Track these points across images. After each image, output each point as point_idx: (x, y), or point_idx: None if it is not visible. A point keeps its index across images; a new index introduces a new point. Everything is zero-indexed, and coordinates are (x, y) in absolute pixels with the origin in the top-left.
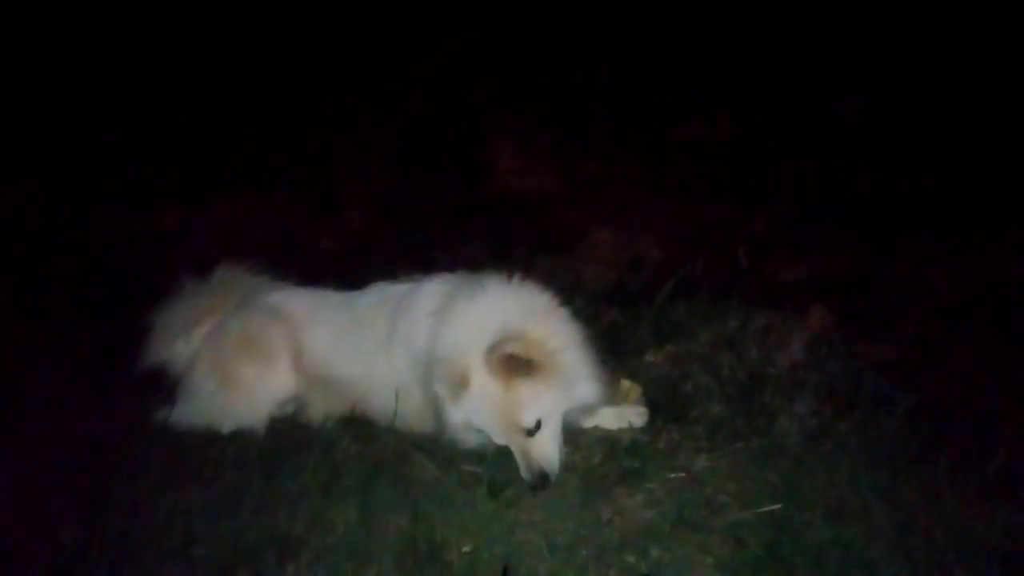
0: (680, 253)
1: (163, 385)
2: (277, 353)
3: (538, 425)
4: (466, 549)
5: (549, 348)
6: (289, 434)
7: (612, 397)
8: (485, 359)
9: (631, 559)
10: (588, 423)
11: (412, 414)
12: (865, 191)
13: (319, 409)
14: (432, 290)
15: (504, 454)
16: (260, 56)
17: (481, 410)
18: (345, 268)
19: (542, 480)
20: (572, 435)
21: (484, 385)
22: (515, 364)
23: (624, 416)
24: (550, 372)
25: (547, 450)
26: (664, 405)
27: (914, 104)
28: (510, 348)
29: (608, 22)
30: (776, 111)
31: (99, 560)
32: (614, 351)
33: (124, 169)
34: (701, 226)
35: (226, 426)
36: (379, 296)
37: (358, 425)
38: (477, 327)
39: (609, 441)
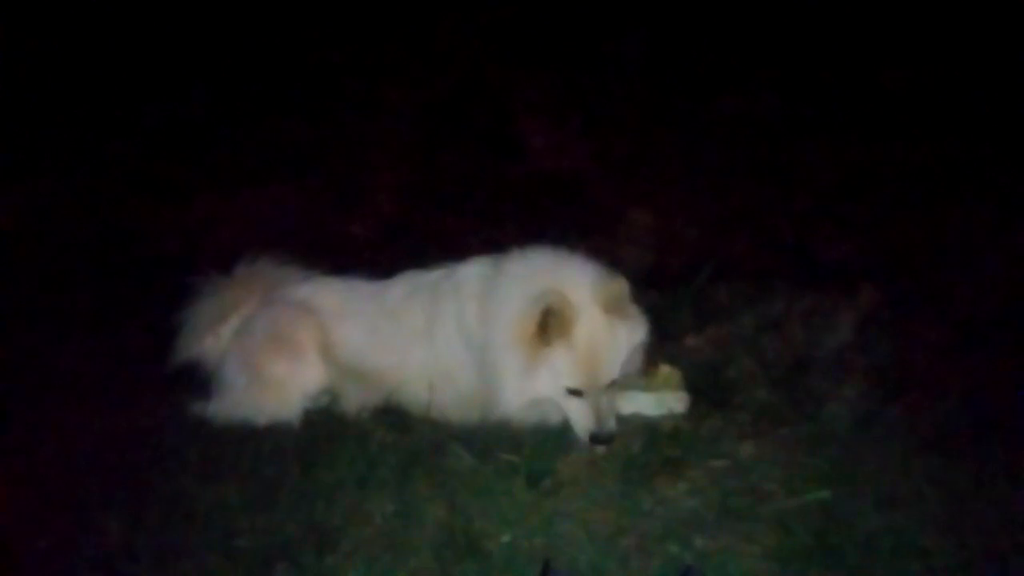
0: (720, 233)
1: (198, 380)
2: (306, 347)
3: (577, 392)
4: (505, 539)
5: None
6: (324, 426)
7: (650, 383)
8: (600, 294)
9: (674, 549)
10: (627, 410)
11: (452, 402)
12: (913, 164)
13: (353, 401)
14: (475, 272)
15: (543, 442)
16: (285, 41)
17: (581, 355)
18: (377, 255)
19: (608, 437)
20: None
21: (592, 326)
22: (619, 305)
23: (664, 402)
24: (632, 321)
25: (613, 404)
26: (706, 391)
27: (961, 75)
28: (620, 284)
29: None
30: (819, 82)
31: (143, 552)
32: (653, 335)
33: (152, 159)
34: (742, 204)
35: (260, 420)
36: (411, 285)
37: (393, 416)
38: (555, 279)
39: (649, 429)
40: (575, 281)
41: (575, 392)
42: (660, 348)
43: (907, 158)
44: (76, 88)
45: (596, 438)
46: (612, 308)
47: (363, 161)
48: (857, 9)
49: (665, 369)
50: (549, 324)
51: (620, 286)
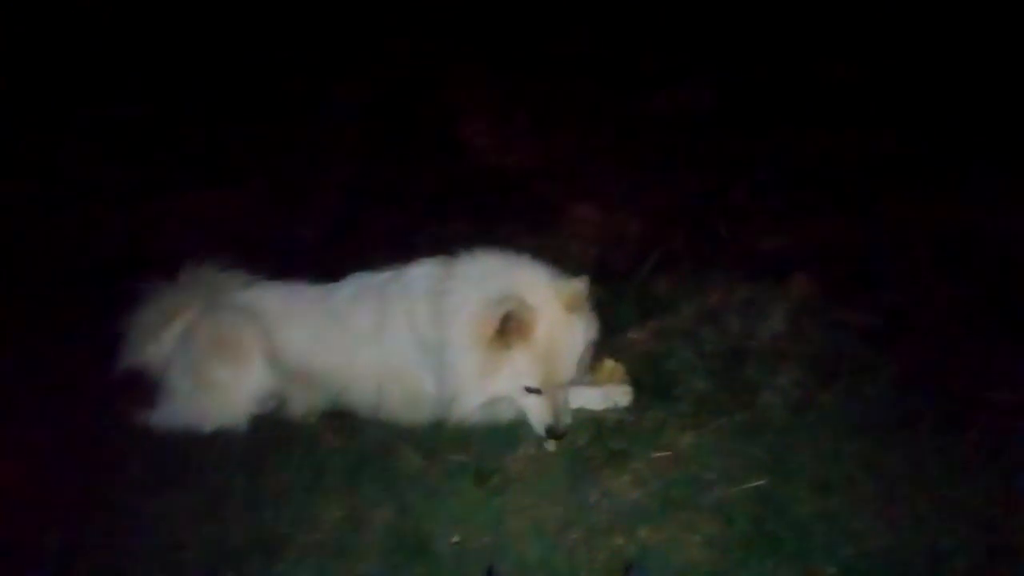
0: (662, 226)
1: (142, 387)
2: (250, 352)
3: (532, 391)
4: (455, 540)
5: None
6: (271, 431)
7: (596, 377)
8: (563, 295)
9: (620, 541)
10: (573, 404)
11: (401, 402)
12: (846, 157)
13: (300, 405)
14: (425, 272)
15: (491, 440)
16: (228, 41)
17: (542, 355)
18: (324, 255)
19: (565, 428)
20: None
21: (554, 327)
22: (579, 304)
23: (609, 396)
24: (591, 325)
25: (567, 399)
26: (648, 383)
27: (893, 68)
28: (581, 285)
29: None
30: (754, 78)
31: (84, 565)
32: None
33: (96, 162)
34: (681, 198)
35: (205, 427)
36: (358, 287)
37: (341, 418)
38: (507, 282)
39: (594, 423)
40: (533, 283)
41: (533, 391)
42: (605, 342)
43: (839, 151)
44: (20, 91)
45: (552, 432)
46: (573, 308)
47: (308, 161)
48: (791, 5)
49: (609, 363)
50: (509, 328)
51: (581, 286)
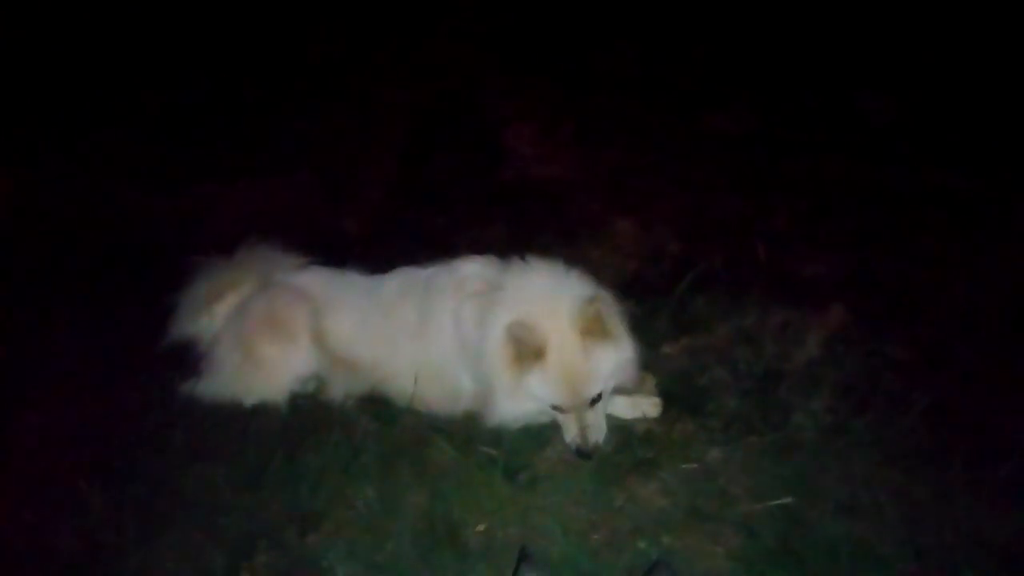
0: (700, 246)
1: (189, 360)
2: (299, 332)
3: (601, 394)
4: (480, 528)
5: (614, 316)
6: (310, 411)
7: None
8: (576, 318)
9: (642, 545)
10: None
11: (438, 398)
12: (887, 188)
13: (341, 389)
14: (472, 272)
15: (522, 437)
16: (286, 35)
17: (556, 378)
18: (367, 250)
19: (595, 448)
20: None
21: (565, 351)
22: (596, 327)
23: (639, 406)
24: (615, 340)
25: (600, 419)
26: (679, 397)
27: (939, 101)
28: (597, 308)
29: (633, 9)
30: (799, 105)
31: (127, 526)
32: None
33: (149, 147)
34: (722, 219)
35: (249, 401)
36: (405, 281)
37: (378, 406)
38: (541, 301)
39: (624, 431)
40: (552, 307)
41: (559, 408)
42: (637, 355)
43: (883, 181)
44: (75, 74)
45: (580, 452)
46: (589, 331)
47: (356, 157)
48: (841, 34)
49: (641, 374)
50: (521, 352)
51: (596, 309)
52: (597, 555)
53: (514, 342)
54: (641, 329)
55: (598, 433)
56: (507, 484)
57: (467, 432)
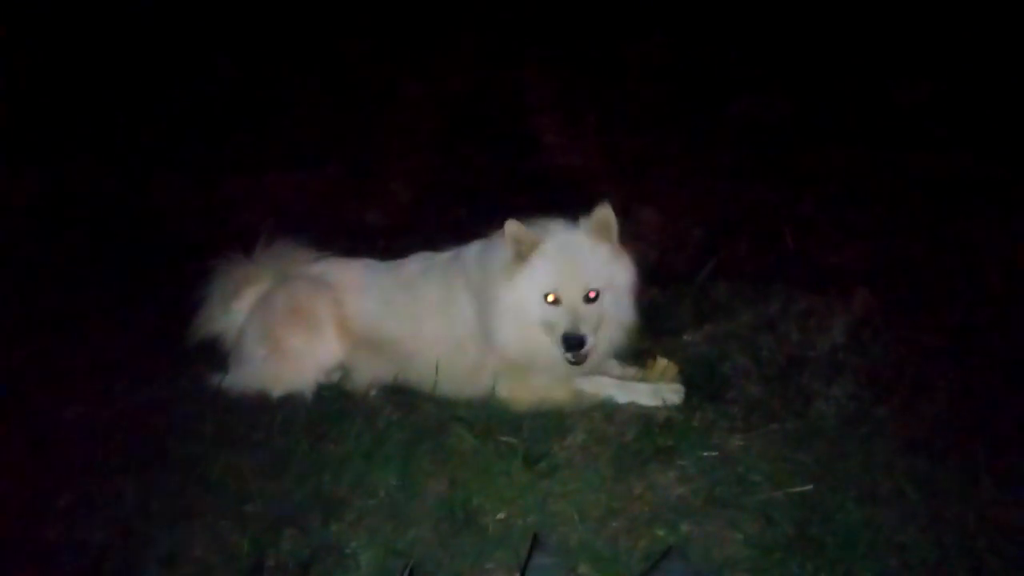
0: (724, 233)
1: (218, 352)
2: (323, 322)
3: (597, 296)
4: (500, 516)
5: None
6: (335, 401)
7: (648, 374)
8: (587, 219)
9: (661, 532)
10: (624, 399)
11: (461, 373)
12: (917, 175)
13: (365, 376)
14: (477, 246)
15: (541, 426)
16: (312, 30)
17: (554, 258)
18: (391, 241)
19: (579, 341)
20: (608, 412)
21: (565, 240)
22: (604, 230)
23: (660, 393)
24: (622, 256)
25: (592, 321)
26: (700, 384)
27: (970, 88)
28: (607, 212)
29: None
30: (828, 91)
31: (157, 513)
32: (653, 329)
33: (180, 142)
34: (747, 206)
35: (276, 392)
36: (426, 263)
37: (400, 395)
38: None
39: (644, 418)
40: (552, 218)
41: (555, 302)
42: (659, 341)
43: (911, 168)
44: (107, 70)
45: (568, 339)
46: (596, 231)
47: (381, 151)
48: (872, 21)
49: (663, 362)
50: (520, 248)
51: (606, 213)
52: (615, 542)
53: (512, 241)
54: (663, 316)
55: (587, 328)
56: (526, 472)
57: (487, 420)
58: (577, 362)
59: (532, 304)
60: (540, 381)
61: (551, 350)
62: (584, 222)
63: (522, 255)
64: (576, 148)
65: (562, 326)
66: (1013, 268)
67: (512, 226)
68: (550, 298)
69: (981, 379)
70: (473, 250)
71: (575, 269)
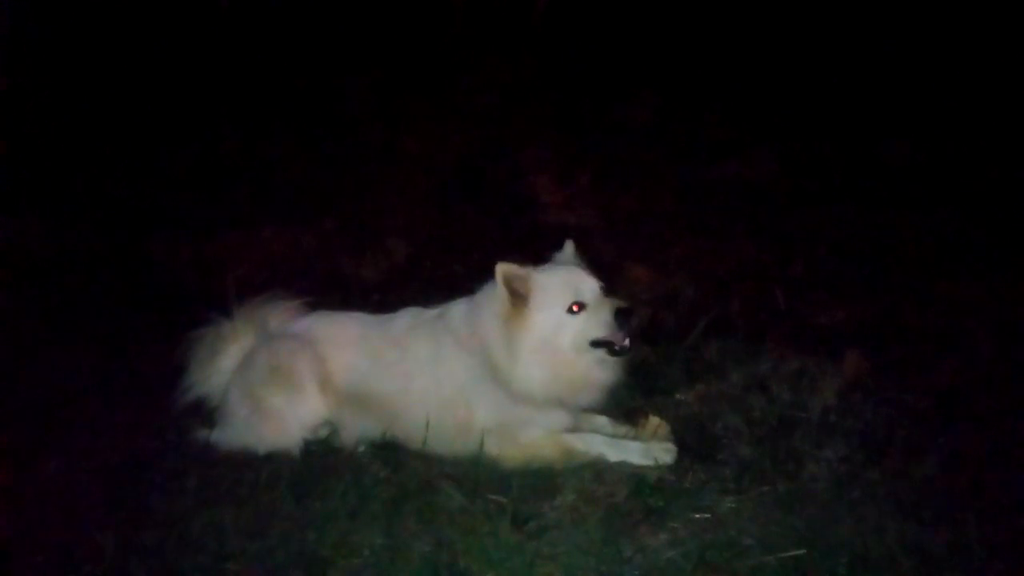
0: (716, 292)
1: (204, 408)
2: (305, 379)
3: (582, 306)
4: None
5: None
6: (321, 458)
7: (639, 433)
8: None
9: None
10: (615, 457)
11: (450, 431)
12: (906, 236)
13: (352, 431)
14: (462, 307)
15: (531, 485)
16: (311, 88)
17: (565, 272)
18: (386, 297)
19: (628, 310)
20: (599, 470)
21: (562, 261)
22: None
23: (651, 452)
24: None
25: (617, 321)
26: (692, 444)
27: (958, 150)
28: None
29: (650, 60)
30: (818, 152)
31: (136, 571)
32: (644, 388)
33: (176, 194)
34: (738, 266)
35: (261, 449)
36: (414, 318)
37: (388, 451)
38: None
39: (635, 477)
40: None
41: (579, 309)
42: (650, 400)
43: (900, 230)
44: (108, 123)
45: (619, 314)
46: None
47: (378, 207)
48: (859, 84)
49: (654, 420)
50: (515, 286)
51: (571, 245)
52: None
53: (505, 283)
54: (655, 375)
55: (620, 327)
56: (515, 532)
57: (476, 478)
58: (622, 352)
59: (561, 325)
60: (530, 437)
61: (587, 367)
62: (557, 255)
63: (519, 294)
64: (571, 207)
65: (603, 316)
66: (1003, 330)
67: (503, 267)
68: (574, 308)
69: (971, 442)
70: (460, 308)
71: (579, 271)
